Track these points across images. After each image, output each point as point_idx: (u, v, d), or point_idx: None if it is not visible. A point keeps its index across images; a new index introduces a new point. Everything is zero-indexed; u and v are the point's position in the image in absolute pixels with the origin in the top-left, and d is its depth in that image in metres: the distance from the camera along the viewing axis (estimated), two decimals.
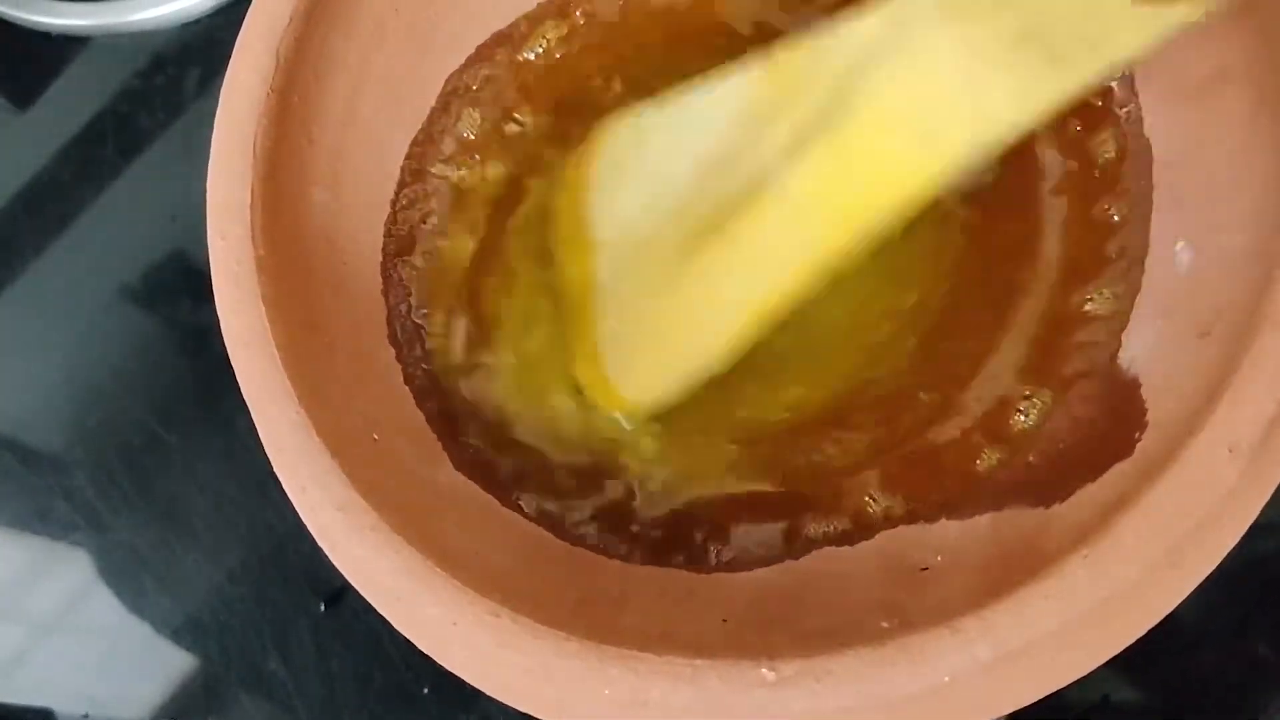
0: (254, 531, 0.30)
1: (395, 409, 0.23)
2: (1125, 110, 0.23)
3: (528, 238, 0.26)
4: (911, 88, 0.16)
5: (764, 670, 0.17)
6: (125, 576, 0.31)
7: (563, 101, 0.27)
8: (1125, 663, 0.18)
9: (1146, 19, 0.16)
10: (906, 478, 0.23)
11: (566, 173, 0.25)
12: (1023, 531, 0.20)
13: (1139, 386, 0.21)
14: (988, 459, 0.23)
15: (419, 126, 0.26)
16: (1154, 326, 0.22)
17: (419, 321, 0.25)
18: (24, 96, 0.35)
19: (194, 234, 0.32)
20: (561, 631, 0.18)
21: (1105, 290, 0.23)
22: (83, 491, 0.31)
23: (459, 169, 0.26)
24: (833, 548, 0.22)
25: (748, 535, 0.23)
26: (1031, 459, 0.22)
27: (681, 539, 0.23)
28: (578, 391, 0.24)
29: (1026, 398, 0.23)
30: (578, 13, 0.27)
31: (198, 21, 0.35)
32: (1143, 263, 0.22)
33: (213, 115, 0.22)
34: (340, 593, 0.29)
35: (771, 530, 0.23)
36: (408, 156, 0.26)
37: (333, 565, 0.20)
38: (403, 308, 0.25)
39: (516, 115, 0.27)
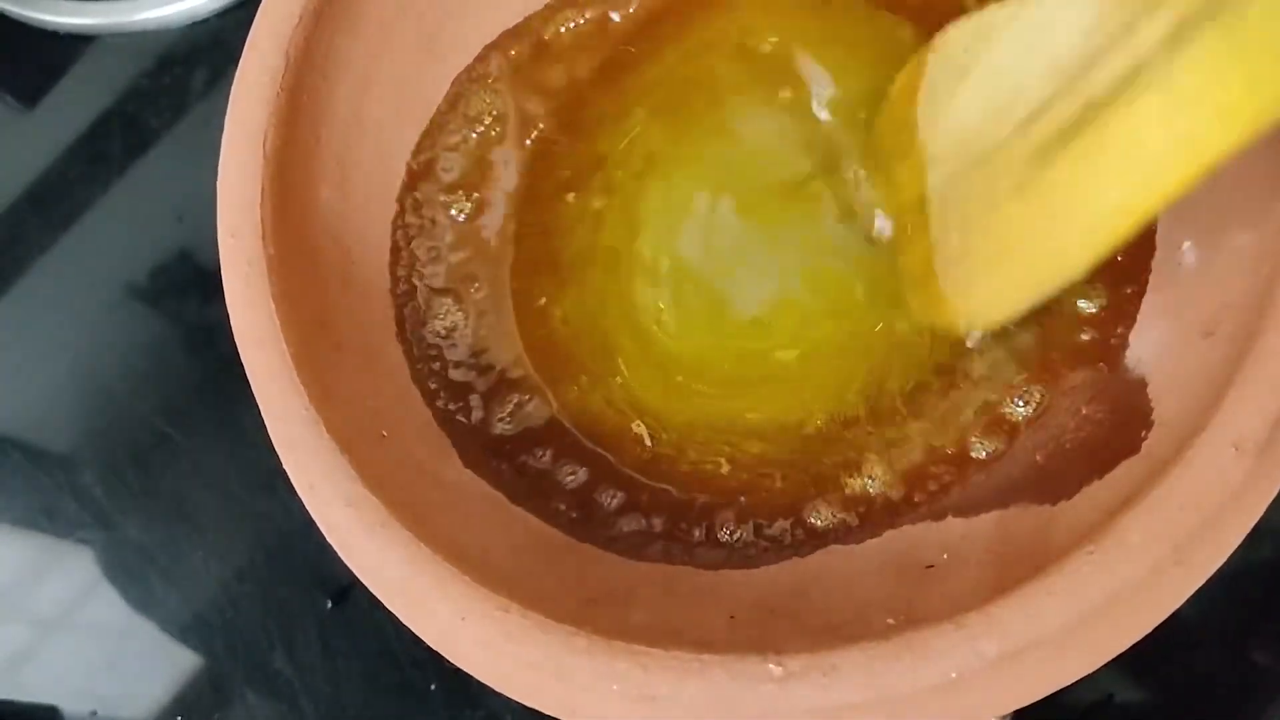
0: (261, 529, 0.30)
1: (404, 406, 0.23)
2: None
3: (543, 233, 0.26)
4: None
5: (771, 665, 0.17)
6: (132, 574, 0.31)
7: (572, 99, 0.27)
8: (1127, 663, 0.18)
9: None
10: (908, 475, 0.23)
11: (893, 85, 0.24)
12: (1028, 529, 0.20)
13: (1145, 385, 0.21)
14: (983, 450, 0.23)
15: (426, 125, 0.26)
16: (1160, 326, 0.22)
17: (427, 319, 0.25)
18: (31, 95, 0.36)
19: (200, 233, 0.33)
20: (570, 627, 0.18)
21: (1111, 290, 0.23)
22: (90, 490, 0.32)
23: (466, 167, 0.26)
24: (839, 545, 0.22)
25: (754, 531, 0.23)
26: (1038, 457, 0.22)
27: (688, 535, 0.23)
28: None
29: (1027, 395, 0.23)
30: (588, 12, 0.27)
31: (205, 21, 0.35)
32: (1149, 262, 0.23)
33: (219, 115, 0.22)
34: (347, 590, 0.29)
35: (779, 526, 0.23)
36: (414, 155, 0.26)
37: (340, 563, 0.20)
38: (411, 305, 0.25)
39: (525, 113, 0.27)
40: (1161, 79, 0.17)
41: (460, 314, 0.25)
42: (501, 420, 0.24)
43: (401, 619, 0.19)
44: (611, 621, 0.19)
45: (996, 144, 0.21)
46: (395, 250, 0.25)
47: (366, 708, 0.28)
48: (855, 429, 0.24)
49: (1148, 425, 0.20)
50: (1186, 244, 0.22)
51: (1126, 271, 0.23)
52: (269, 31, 0.22)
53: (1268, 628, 0.26)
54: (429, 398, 0.24)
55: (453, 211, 0.26)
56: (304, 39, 0.22)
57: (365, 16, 0.24)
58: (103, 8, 0.35)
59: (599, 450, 0.24)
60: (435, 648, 0.19)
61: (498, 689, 0.19)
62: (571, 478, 0.24)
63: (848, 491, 0.23)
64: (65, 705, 0.30)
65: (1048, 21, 0.20)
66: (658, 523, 0.23)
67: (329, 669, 0.29)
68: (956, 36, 0.22)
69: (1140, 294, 0.23)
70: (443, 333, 0.25)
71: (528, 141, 0.27)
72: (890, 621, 0.18)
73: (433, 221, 0.26)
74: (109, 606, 0.31)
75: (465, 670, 0.19)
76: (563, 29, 0.27)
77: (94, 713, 0.30)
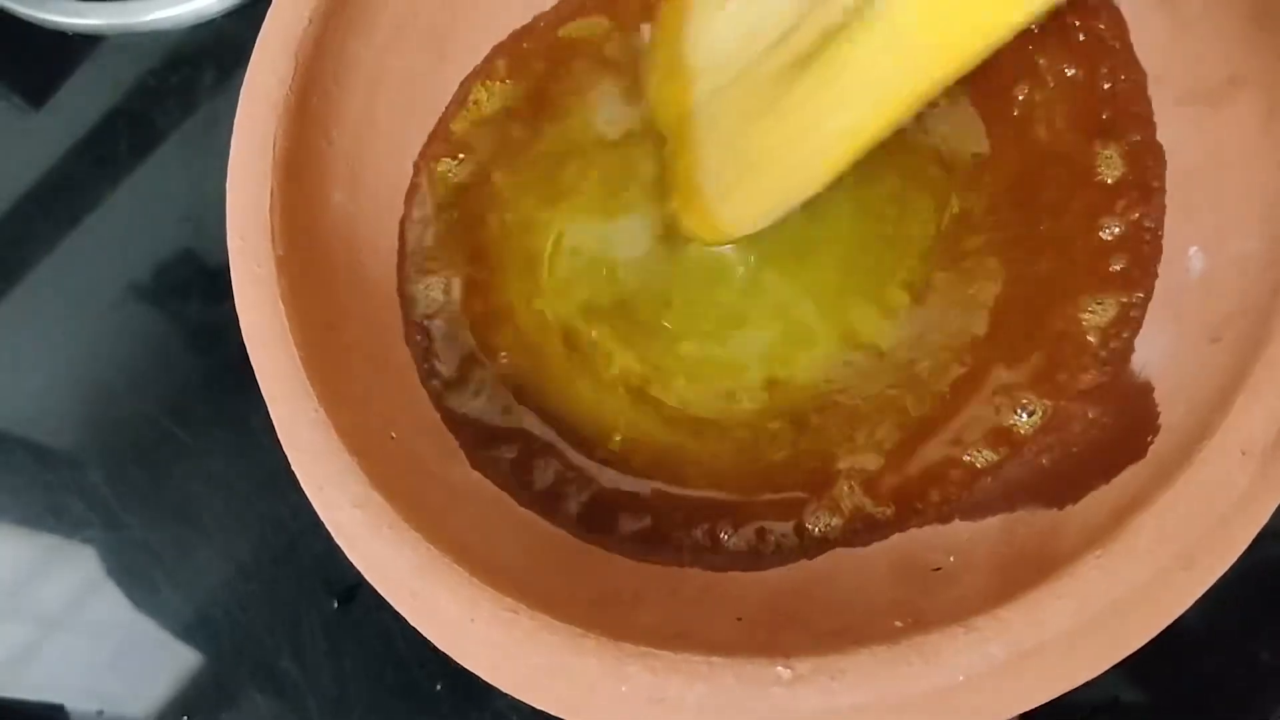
0: (266, 529, 0.30)
1: (412, 408, 0.23)
2: (1139, 114, 0.24)
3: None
4: None
5: (779, 668, 0.17)
6: (138, 573, 0.31)
7: (577, 92, 0.27)
8: (1132, 664, 0.18)
9: None
10: (910, 480, 0.23)
11: (664, 4, 0.25)
12: (1035, 532, 0.20)
13: (1151, 390, 0.21)
14: (988, 459, 0.23)
15: (434, 126, 0.26)
16: (1167, 331, 0.22)
17: (436, 322, 0.25)
18: (38, 94, 0.36)
19: (206, 233, 0.33)
20: (578, 629, 0.18)
21: (1118, 295, 0.23)
22: (96, 488, 0.31)
23: (472, 169, 0.26)
24: (845, 548, 0.22)
25: (758, 534, 0.23)
26: (1044, 461, 0.22)
27: (694, 537, 0.23)
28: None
29: (1030, 402, 0.23)
30: (595, 14, 0.27)
31: (212, 21, 0.35)
32: (1156, 268, 0.23)
33: (226, 115, 0.22)
34: (353, 590, 0.29)
35: (784, 528, 0.23)
36: (423, 156, 0.26)
37: (345, 563, 0.20)
38: (419, 307, 0.25)
39: (534, 115, 0.27)
40: (886, 9, 0.18)
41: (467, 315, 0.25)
42: (509, 423, 0.24)
43: (409, 620, 0.19)
44: (619, 623, 0.19)
45: (750, 64, 0.22)
46: (403, 251, 0.25)
47: (372, 708, 0.28)
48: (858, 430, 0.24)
49: (1154, 430, 0.20)
50: (1193, 249, 0.22)
51: (1133, 276, 0.23)
52: (279, 34, 0.22)
53: (1273, 627, 0.26)
54: (437, 399, 0.24)
55: (458, 213, 0.26)
56: (314, 41, 0.22)
57: (376, 18, 0.24)
58: (110, 8, 0.35)
59: (605, 451, 0.24)
60: (443, 649, 0.19)
61: (505, 690, 0.19)
62: (580, 480, 0.24)
63: (847, 500, 0.23)
64: (70, 704, 0.30)
65: None
66: (664, 524, 0.23)
67: (335, 669, 0.29)
68: None
69: (1146, 299, 0.23)
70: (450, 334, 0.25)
71: (528, 144, 0.27)
72: (898, 624, 0.18)
73: (440, 222, 0.26)
74: (114, 605, 0.31)
75: (473, 672, 0.19)
76: (572, 29, 0.27)
77: (101, 712, 0.30)
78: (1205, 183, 0.22)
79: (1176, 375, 0.21)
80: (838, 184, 0.23)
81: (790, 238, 0.25)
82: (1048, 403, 0.23)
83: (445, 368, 0.25)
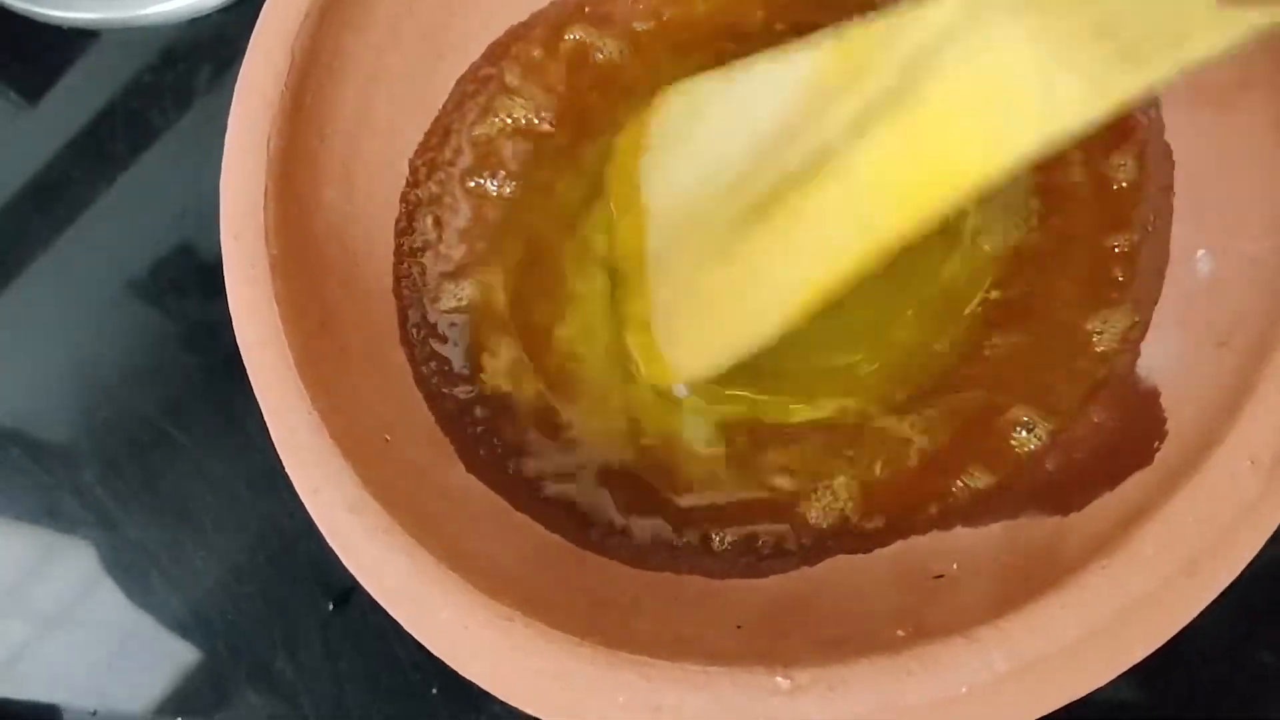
0: (263, 530, 0.30)
1: (407, 410, 0.23)
2: (1146, 116, 0.23)
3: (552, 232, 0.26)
4: (983, 75, 0.16)
5: (778, 678, 0.17)
6: (133, 573, 0.31)
7: (578, 98, 0.27)
8: (1133, 669, 0.18)
9: (1229, 20, 0.15)
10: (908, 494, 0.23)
11: (620, 139, 0.25)
12: (1039, 540, 0.20)
13: (1158, 396, 0.21)
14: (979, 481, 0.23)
15: (430, 125, 0.26)
16: (1173, 335, 0.22)
17: (432, 322, 0.25)
18: (33, 90, 0.35)
19: (203, 229, 0.33)
20: (575, 636, 0.18)
21: (1124, 299, 0.23)
22: (91, 488, 0.31)
23: (470, 167, 0.26)
24: (846, 555, 0.22)
25: (757, 539, 0.23)
26: (1048, 466, 0.22)
27: (692, 541, 0.23)
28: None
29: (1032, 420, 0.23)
30: (587, 9, 0.27)
31: (208, 17, 0.35)
32: (1162, 271, 0.22)
33: (222, 111, 0.22)
34: (349, 592, 0.29)
35: (783, 533, 0.23)
36: (418, 155, 0.26)
37: (341, 565, 0.20)
38: (414, 308, 0.25)
39: (530, 113, 0.26)
40: (844, 165, 0.18)
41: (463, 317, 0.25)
42: (504, 425, 0.24)
43: (405, 626, 0.19)
44: (616, 630, 0.19)
45: (705, 209, 0.21)
46: (398, 252, 0.25)
47: (368, 710, 0.28)
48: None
49: (1161, 436, 0.20)
50: (1201, 253, 0.22)
51: (1140, 279, 0.23)
52: (274, 29, 0.22)
53: (1275, 629, 0.26)
54: (432, 402, 0.24)
55: (456, 213, 0.26)
56: (309, 37, 0.22)
57: (372, 14, 0.24)
58: (106, 3, 0.35)
59: (603, 453, 0.24)
60: (438, 655, 0.19)
61: (501, 697, 0.18)
62: (574, 483, 0.24)
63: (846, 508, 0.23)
64: (65, 704, 0.30)
65: (750, 97, 0.21)
66: (663, 529, 0.23)
67: (331, 671, 0.28)
68: (674, 101, 0.23)
69: (1153, 302, 0.22)
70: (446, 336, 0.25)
71: (534, 141, 0.26)
72: (899, 633, 0.18)
73: (435, 222, 0.26)
74: (109, 606, 0.30)
75: (469, 678, 0.19)
76: (571, 26, 0.27)
77: (95, 713, 0.30)
78: (1213, 186, 0.22)
79: (1183, 380, 0.21)
80: None
81: None
82: (1051, 424, 0.23)
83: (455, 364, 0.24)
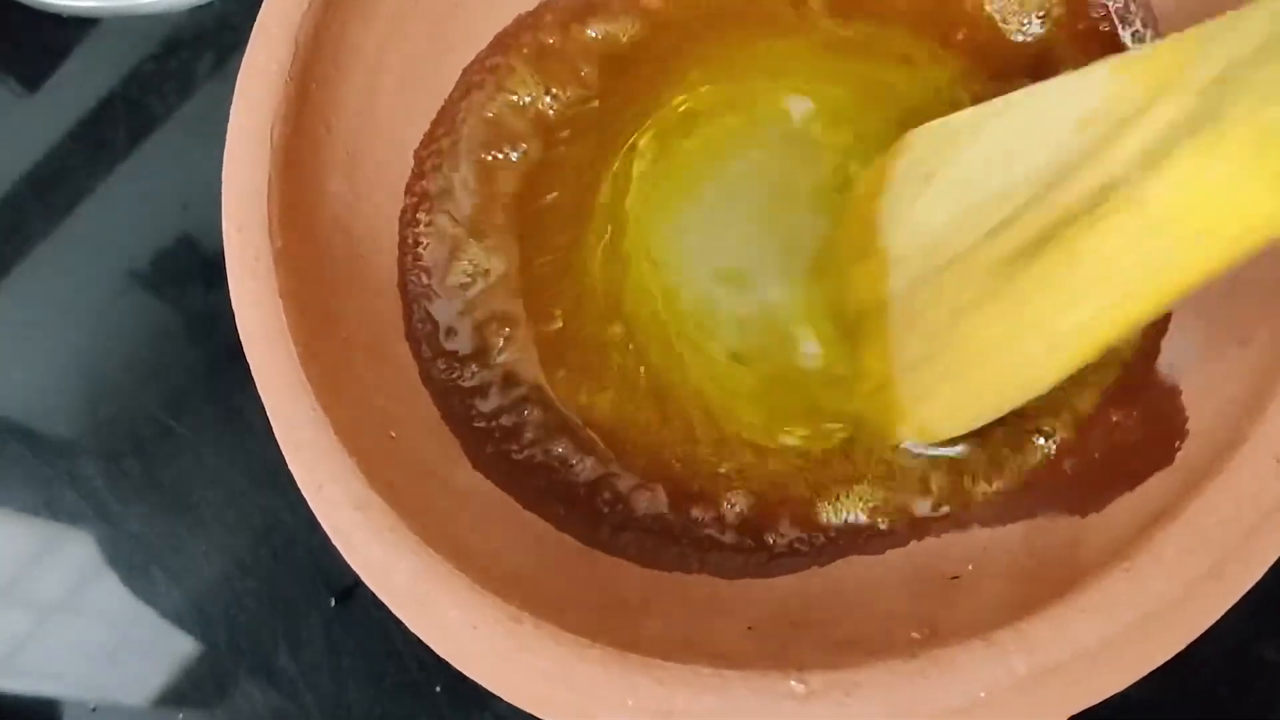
0: (265, 524, 0.30)
1: (412, 406, 0.23)
2: None
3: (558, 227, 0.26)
4: None
5: (792, 682, 0.17)
6: (133, 568, 0.30)
7: (591, 83, 0.26)
8: None
9: None
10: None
11: (857, 184, 0.23)
12: (1057, 541, 0.20)
13: (1179, 394, 0.21)
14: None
15: (435, 115, 0.26)
16: (1194, 332, 0.21)
17: (438, 317, 0.24)
18: (33, 78, 0.35)
19: (204, 219, 0.32)
20: (585, 639, 0.17)
21: None
22: (90, 481, 0.31)
23: (477, 157, 0.26)
24: (859, 556, 0.22)
25: (771, 537, 0.22)
26: (1066, 466, 0.21)
27: (704, 538, 0.23)
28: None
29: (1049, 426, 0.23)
30: None
31: (210, 5, 0.34)
32: None
33: (224, 100, 0.22)
34: (352, 589, 0.29)
35: (794, 532, 0.22)
36: (424, 146, 0.26)
37: (344, 561, 0.19)
38: (420, 303, 0.24)
39: (537, 103, 0.26)
40: (1136, 197, 0.16)
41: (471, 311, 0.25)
42: (512, 421, 0.24)
43: (410, 627, 0.19)
44: (626, 631, 0.19)
45: (962, 251, 0.20)
46: (403, 244, 0.24)
47: (371, 707, 0.28)
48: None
49: (1182, 435, 0.20)
50: None
51: None
52: (278, 17, 0.21)
53: (1277, 625, 0.26)
54: (438, 398, 0.23)
55: (462, 206, 0.25)
56: (314, 25, 0.22)
57: (377, 2, 0.23)
58: None
59: (611, 451, 0.24)
60: (444, 656, 0.19)
61: (509, 700, 0.18)
62: (583, 481, 0.23)
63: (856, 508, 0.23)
64: (64, 698, 0.30)
65: (1023, 130, 0.19)
66: (673, 525, 0.23)
67: (333, 668, 0.28)
68: (921, 141, 0.22)
69: None
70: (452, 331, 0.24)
71: (542, 130, 0.26)
72: (915, 636, 0.18)
73: (441, 214, 0.25)
74: (109, 600, 0.30)
75: (476, 680, 0.18)
76: (579, 14, 0.26)
77: (95, 709, 0.30)
78: None
79: (1205, 379, 0.20)
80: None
81: None
82: (1067, 433, 0.22)
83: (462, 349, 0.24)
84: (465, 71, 0.26)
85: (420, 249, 0.25)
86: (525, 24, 0.26)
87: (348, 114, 0.23)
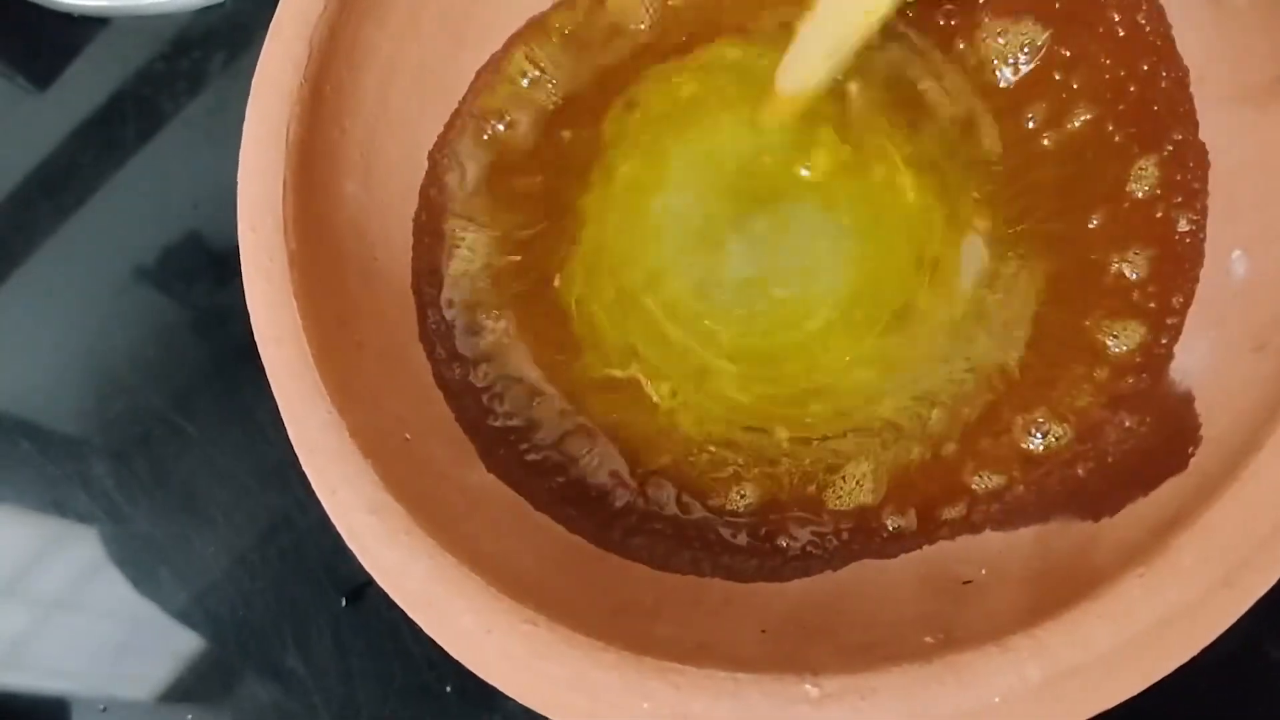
0: (273, 523, 0.30)
1: (426, 408, 0.23)
2: (1180, 113, 0.23)
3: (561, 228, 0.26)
4: None
5: (807, 686, 0.17)
6: (142, 567, 0.30)
7: (599, 87, 0.26)
8: None
9: None
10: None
11: None
12: (1070, 545, 0.20)
13: (1192, 400, 0.21)
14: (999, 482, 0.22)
15: (449, 117, 0.26)
16: (1207, 338, 0.21)
17: (451, 319, 0.24)
18: (43, 76, 0.35)
19: (212, 217, 0.32)
20: (599, 642, 0.17)
21: (1156, 300, 0.22)
22: (100, 480, 0.31)
23: (491, 159, 0.26)
24: (872, 559, 0.22)
25: (785, 540, 0.22)
26: (1079, 471, 0.21)
27: (718, 541, 0.23)
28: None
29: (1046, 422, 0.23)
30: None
31: (221, 4, 0.34)
32: (1197, 272, 0.22)
33: (234, 99, 0.22)
34: (362, 589, 0.29)
35: (806, 535, 0.22)
36: (438, 147, 0.26)
37: (354, 561, 0.19)
38: (434, 304, 0.24)
39: (550, 104, 0.26)
40: None
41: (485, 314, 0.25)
42: (524, 421, 0.24)
43: (425, 629, 0.19)
44: (640, 634, 0.19)
45: None
46: (417, 246, 0.24)
47: (380, 707, 0.28)
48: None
49: (1195, 441, 0.20)
50: (1236, 253, 0.21)
51: (1172, 281, 0.22)
52: (292, 19, 0.21)
53: None
54: (452, 400, 0.23)
55: (476, 206, 0.25)
56: (329, 28, 0.22)
57: (393, 4, 0.23)
58: None
59: (623, 453, 0.24)
60: (459, 659, 0.18)
61: (523, 702, 0.18)
62: (594, 482, 0.23)
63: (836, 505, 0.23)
64: (73, 697, 0.30)
65: None
66: (686, 528, 0.23)
67: (343, 668, 0.28)
68: None
69: (1186, 304, 0.22)
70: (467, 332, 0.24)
71: (554, 132, 0.26)
72: (929, 640, 0.18)
73: (456, 215, 0.25)
74: (117, 598, 0.30)
75: (490, 683, 0.18)
76: (589, 15, 0.26)
77: (105, 709, 0.30)
78: (1250, 185, 0.22)
79: (1219, 385, 0.20)
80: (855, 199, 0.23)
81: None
82: (1067, 425, 0.22)
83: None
84: (479, 73, 0.26)
85: (434, 250, 0.25)
86: (535, 25, 0.26)
87: (362, 116, 0.23)
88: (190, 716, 0.29)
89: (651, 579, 0.21)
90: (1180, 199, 0.22)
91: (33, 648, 0.31)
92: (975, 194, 0.25)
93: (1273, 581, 0.17)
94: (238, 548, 0.30)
